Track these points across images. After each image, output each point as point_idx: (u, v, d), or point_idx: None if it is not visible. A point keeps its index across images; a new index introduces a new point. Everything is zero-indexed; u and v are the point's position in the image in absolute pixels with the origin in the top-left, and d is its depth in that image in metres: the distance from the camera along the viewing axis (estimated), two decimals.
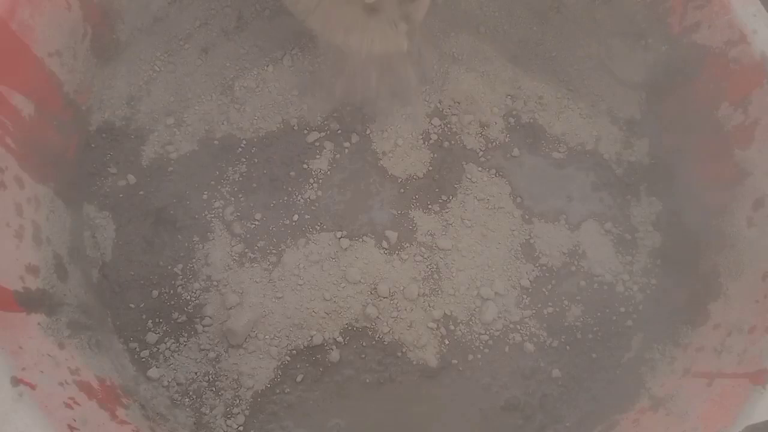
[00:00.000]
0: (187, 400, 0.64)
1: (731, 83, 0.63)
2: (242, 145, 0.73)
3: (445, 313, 0.69)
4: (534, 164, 0.75)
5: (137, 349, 0.65)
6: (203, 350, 0.66)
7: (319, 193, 0.72)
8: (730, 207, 0.65)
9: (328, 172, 0.73)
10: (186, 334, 0.66)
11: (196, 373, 0.65)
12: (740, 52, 0.62)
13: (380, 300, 0.68)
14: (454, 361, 0.68)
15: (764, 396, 0.53)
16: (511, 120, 0.76)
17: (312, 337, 0.67)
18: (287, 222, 0.71)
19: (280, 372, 0.66)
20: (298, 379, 0.66)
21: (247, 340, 0.67)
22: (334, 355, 0.67)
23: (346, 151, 0.74)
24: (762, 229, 0.61)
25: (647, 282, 0.71)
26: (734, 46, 0.62)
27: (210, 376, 0.65)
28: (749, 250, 0.62)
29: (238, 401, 0.65)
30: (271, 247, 0.70)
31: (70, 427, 0.50)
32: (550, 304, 0.70)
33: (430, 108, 0.76)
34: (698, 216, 0.69)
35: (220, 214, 0.71)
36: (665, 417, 0.60)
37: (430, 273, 0.70)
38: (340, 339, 0.67)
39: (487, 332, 0.69)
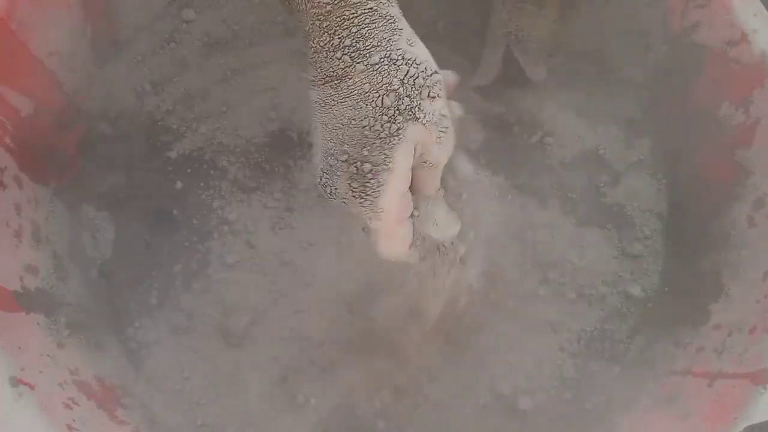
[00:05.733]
0: (186, 400, 0.64)
1: (732, 83, 0.63)
2: (242, 145, 0.73)
3: (446, 311, 0.69)
4: (534, 164, 0.75)
5: (136, 349, 0.65)
6: (202, 351, 0.66)
7: (320, 192, 0.72)
8: (730, 207, 0.65)
9: None
10: (185, 335, 0.66)
11: (195, 374, 0.65)
12: (741, 51, 0.62)
13: (382, 299, 0.68)
14: (455, 361, 0.68)
15: (765, 396, 0.53)
16: (511, 119, 0.76)
17: (312, 337, 0.67)
18: (287, 222, 0.71)
19: (280, 372, 0.66)
20: (298, 380, 0.66)
21: (246, 340, 0.67)
22: (335, 354, 0.67)
23: None
24: (762, 229, 0.61)
25: (647, 282, 0.71)
26: (735, 46, 0.62)
27: (209, 377, 0.65)
28: (749, 250, 0.62)
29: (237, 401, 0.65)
30: (271, 247, 0.70)
31: (69, 427, 0.50)
32: (549, 304, 0.70)
33: None
34: (698, 216, 0.69)
35: (220, 214, 0.71)
36: (666, 417, 0.60)
37: (431, 273, 0.70)
38: (340, 339, 0.67)
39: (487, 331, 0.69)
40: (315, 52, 0.38)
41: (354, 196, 0.39)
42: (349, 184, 0.39)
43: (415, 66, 0.38)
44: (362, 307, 0.68)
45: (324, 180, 0.40)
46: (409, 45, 0.38)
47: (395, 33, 0.38)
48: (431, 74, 0.38)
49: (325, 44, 0.37)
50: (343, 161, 0.39)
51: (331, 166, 0.39)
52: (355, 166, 0.38)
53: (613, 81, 0.75)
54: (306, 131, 0.74)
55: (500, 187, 0.74)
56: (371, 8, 0.37)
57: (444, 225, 0.45)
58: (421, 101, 0.38)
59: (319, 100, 0.39)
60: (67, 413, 0.51)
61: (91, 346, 0.60)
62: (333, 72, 0.37)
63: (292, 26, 0.76)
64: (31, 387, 0.49)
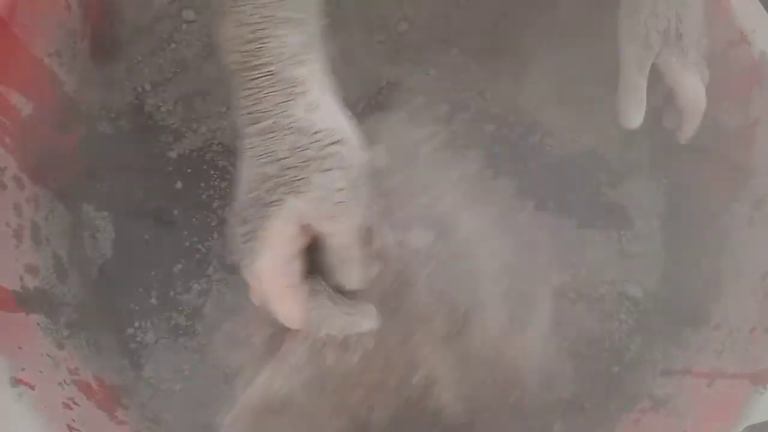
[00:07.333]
0: (186, 400, 0.64)
1: (731, 83, 0.63)
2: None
3: (452, 307, 0.69)
4: (534, 165, 0.75)
5: (136, 350, 0.65)
6: (202, 351, 0.66)
7: None
8: (730, 207, 0.65)
9: None
10: (185, 335, 0.66)
11: (195, 374, 0.65)
12: (740, 51, 0.62)
13: (382, 296, 0.69)
14: (456, 360, 0.68)
15: (764, 396, 0.53)
16: (511, 119, 0.76)
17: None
18: None
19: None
20: None
21: (246, 340, 0.67)
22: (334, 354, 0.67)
23: None
24: (762, 229, 0.61)
25: (647, 282, 0.71)
26: (734, 46, 0.62)
27: (209, 377, 0.65)
28: (749, 250, 0.62)
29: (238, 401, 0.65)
30: None
31: (69, 427, 0.50)
32: (549, 304, 0.70)
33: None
34: (698, 216, 0.69)
35: (220, 214, 0.71)
36: (665, 417, 0.60)
37: (432, 272, 0.70)
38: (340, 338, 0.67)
39: (487, 332, 0.69)
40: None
41: (240, 253, 0.39)
42: (236, 240, 0.38)
43: (307, 136, 0.35)
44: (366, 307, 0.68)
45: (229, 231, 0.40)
46: (308, 111, 0.36)
47: (292, 97, 0.35)
48: (327, 145, 0.35)
49: (234, 102, 0.37)
50: (232, 215, 0.38)
51: (230, 218, 0.39)
52: (235, 224, 0.38)
53: (613, 81, 0.75)
54: None
55: (501, 188, 0.74)
56: (271, 71, 0.35)
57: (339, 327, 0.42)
58: (309, 174, 0.35)
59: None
60: (67, 413, 0.51)
61: (91, 346, 0.60)
62: (240, 129, 0.37)
63: None
64: (31, 387, 0.49)
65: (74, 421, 0.51)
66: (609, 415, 0.65)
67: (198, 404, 0.64)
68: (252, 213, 0.36)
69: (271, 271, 0.38)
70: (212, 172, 0.72)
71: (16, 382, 0.48)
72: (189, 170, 0.72)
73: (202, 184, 0.72)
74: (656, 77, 0.65)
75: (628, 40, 0.53)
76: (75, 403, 0.53)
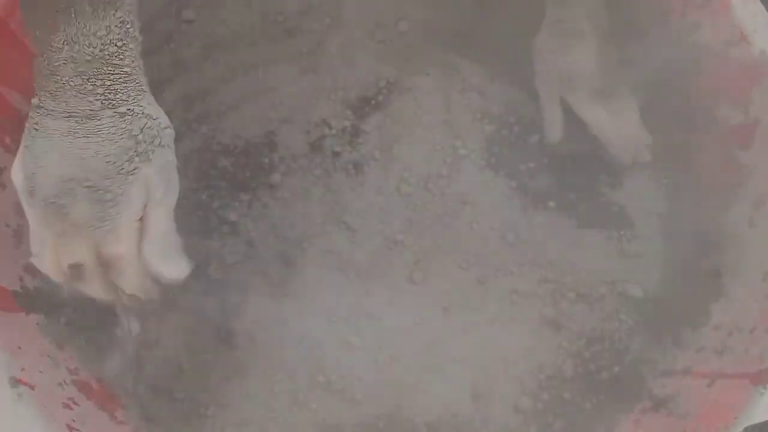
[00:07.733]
0: (186, 401, 0.64)
1: (731, 83, 0.64)
2: (242, 145, 0.73)
3: (449, 303, 0.69)
4: (534, 165, 0.75)
5: (136, 349, 0.65)
6: (203, 351, 0.66)
7: (321, 191, 0.72)
8: (730, 207, 0.65)
9: (329, 172, 0.73)
10: (185, 335, 0.66)
11: (195, 374, 0.65)
12: (740, 51, 0.62)
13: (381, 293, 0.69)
14: (455, 361, 0.68)
15: (765, 396, 0.53)
16: (511, 118, 0.76)
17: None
18: (287, 222, 0.71)
19: (280, 372, 0.66)
20: (298, 379, 0.66)
21: (246, 341, 0.67)
22: (336, 353, 0.67)
23: (348, 150, 0.74)
24: (762, 229, 0.61)
25: (647, 282, 0.71)
26: (734, 46, 0.62)
27: (210, 377, 0.65)
28: (749, 250, 0.62)
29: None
30: (272, 247, 0.70)
31: (69, 427, 0.50)
32: (549, 304, 0.70)
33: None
34: (698, 216, 0.69)
35: (220, 214, 0.71)
36: (666, 417, 0.60)
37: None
38: (342, 338, 0.68)
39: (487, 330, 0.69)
40: (60, 88, 0.44)
41: (96, 219, 0.45)
42: (91, 208, 0.45)
43: (151, 119, 0.46)
44: (367, 306, 0.68)
45: (61, 201, 0.45)
46: (149, 104, 0.47)
47: (140, 93, 0.46)
48: (164, 128, 0.47)
49: (77, 86, 0.44)
50: (86, 187, 0.44)
51: (71, 189, 0.44)
52: (99, 194, 0.45)
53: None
54: (306, 131, 0.74)
55: (502, 188, 0.74)
56: (127, 73, 0.45)
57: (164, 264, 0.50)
58: (155, 147, 0.47)
59: (59, 129, 0.45)
60: (67, 413, 0.51)
61: (91, 346, 0.60)
62: (81, 110, 0.44)
63: (292, 26, 0.76)
64: (31, 387, 0.49)
65: (74, 421, 0.51)
66: (609, 415, 0.65)
67: (198, 405, 0.64)
68: (114, 182, 0.45)
69: (133, 234, 0.47)
70: (212, 172, 0.72)
71: (16, 382, 0.48)
72: (189, 170, 0.72)
73: (202, 184, 0.71)
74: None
75: (537, 80, 0.69)
76: (75, 403, 0.53)
